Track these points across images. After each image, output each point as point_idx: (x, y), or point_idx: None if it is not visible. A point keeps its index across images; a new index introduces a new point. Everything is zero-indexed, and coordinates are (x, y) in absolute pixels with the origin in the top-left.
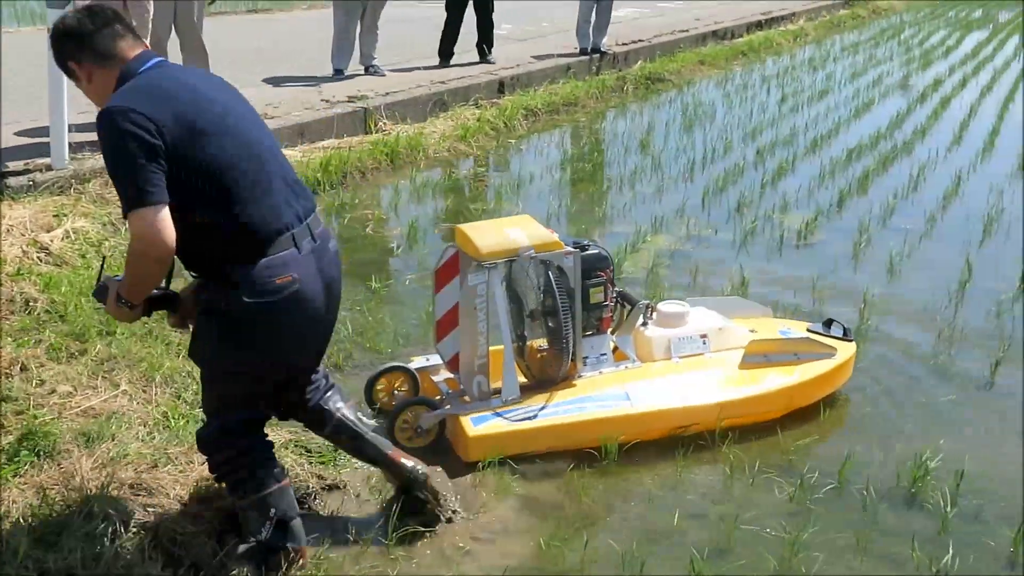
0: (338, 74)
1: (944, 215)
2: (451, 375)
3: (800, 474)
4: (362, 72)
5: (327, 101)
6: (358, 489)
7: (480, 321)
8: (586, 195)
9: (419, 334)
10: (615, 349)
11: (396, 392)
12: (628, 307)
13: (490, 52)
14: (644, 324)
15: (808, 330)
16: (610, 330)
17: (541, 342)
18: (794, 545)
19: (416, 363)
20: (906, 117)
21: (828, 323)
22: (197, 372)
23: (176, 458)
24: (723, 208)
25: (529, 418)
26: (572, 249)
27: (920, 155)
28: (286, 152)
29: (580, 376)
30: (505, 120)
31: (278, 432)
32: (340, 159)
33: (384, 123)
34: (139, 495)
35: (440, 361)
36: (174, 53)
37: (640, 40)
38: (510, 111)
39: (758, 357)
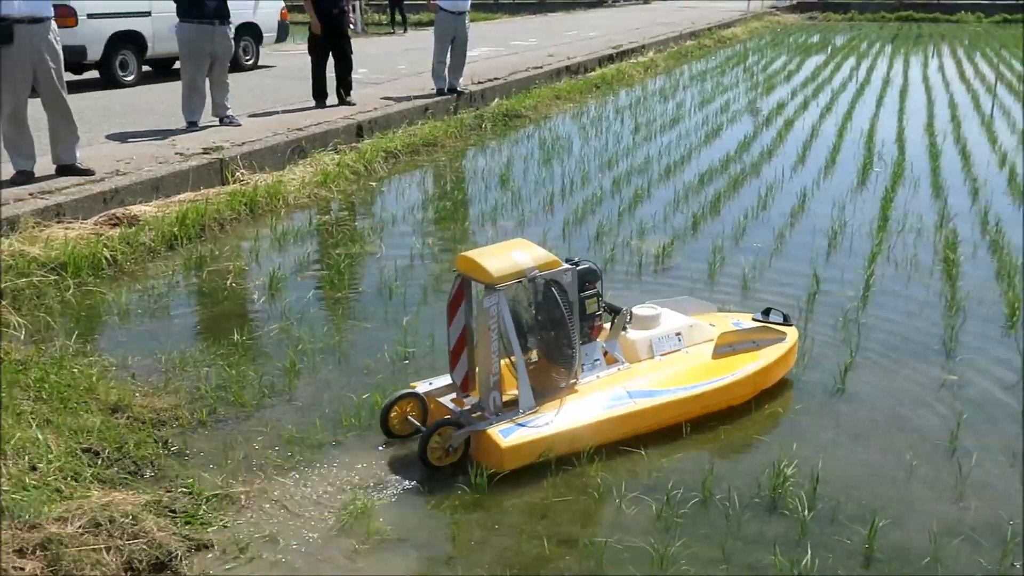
0: (191, 126)
1: (792, 232)
2: (457, 395)
3: (666, 491)
4: (216, 123)
5: (181, 154)
6: (225, 546)
7: (493, 340)
8: (449, 233)
9: (284, 384)
10: (605, 354)
11: (408, 417)
12: (613, 314)
13: (349, 95)
14: (625, 328)
15: (753, 319)
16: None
17: (533, 354)
18: (663, 561)
19: (421, 388)
20: (753, 140)
21: (767, 312)
22: (54, 441)
23: (25, 530)
24: (583, 237)
25: (548, 424)
26: (569, 266)
27: (767, 176)
28: (140, 207)
29: (580, 382)
30: (365, 163)
31: (137, 495)
32: (197, 212)
33: (242, 173)
34: None
35: (443, 383)
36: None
37: (496, 78)
38: (370, 154)
39: (726, 348)
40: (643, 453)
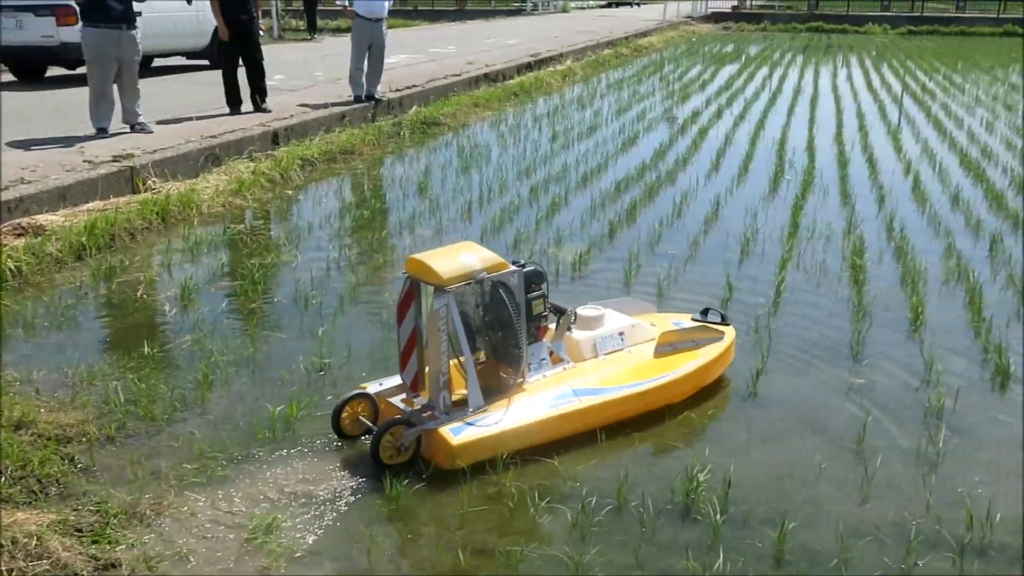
0: (100, 133)
1: (706, 238)
2: (407, 395)
3: (581, 499)
4: (127, 130)
5: (90, 162)
6: (134, 565)
7: (443, 341)
8: (366, 242)
9: (196, 397)
10: (551, 353)
11: (359, 417)
12: (558, 315)
13: (264, 101)
14: (569, 329)
15: (692, 319)
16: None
17: (482, 354)
18: (578, 568)
19: (371, 388)
20: (668, 149)
21: (705, 311)
22: None
23: None
24: (501, 246)
25: (497, 422)
26: (516, 268)
27: (682, 184)
28: (46, 217)
29: (527, 380)
30: (281, 171)
31: (41, 515)
32: (106, 221)
33: (153, 181)
34: None
35: (393, 383)
36: None
37: (414, 85)
38: (286, 162)
39: (667, 347)
40: (555, 462)
